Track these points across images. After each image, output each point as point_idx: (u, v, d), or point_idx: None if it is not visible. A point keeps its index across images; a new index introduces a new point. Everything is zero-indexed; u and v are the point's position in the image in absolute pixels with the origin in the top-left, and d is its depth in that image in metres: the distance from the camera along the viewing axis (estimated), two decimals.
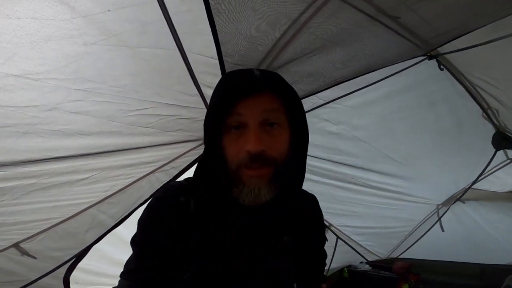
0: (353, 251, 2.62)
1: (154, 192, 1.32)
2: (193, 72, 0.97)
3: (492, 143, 1.96)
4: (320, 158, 1.88)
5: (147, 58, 0.90)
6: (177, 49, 0.91)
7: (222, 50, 0.92)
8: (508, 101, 1.58)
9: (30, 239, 1.29)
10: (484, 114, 1.83)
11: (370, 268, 2.61)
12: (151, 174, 1.31)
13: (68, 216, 1.31)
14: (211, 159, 0.64)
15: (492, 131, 1.90)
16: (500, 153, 2.08)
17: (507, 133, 1.88)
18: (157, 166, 1.28)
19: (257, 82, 0.63)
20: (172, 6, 0.83)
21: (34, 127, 0.90)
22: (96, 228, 1.42)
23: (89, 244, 1.48)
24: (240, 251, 0.66)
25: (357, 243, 2.57)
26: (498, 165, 2.16)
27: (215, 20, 0.87)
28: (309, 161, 0.69)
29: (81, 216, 1.34)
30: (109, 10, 0.80)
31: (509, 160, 2.15)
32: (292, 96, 0.65)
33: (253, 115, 0.60)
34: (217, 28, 0.88)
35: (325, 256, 0.85)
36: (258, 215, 0.66)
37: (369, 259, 2.74)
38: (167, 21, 0.86)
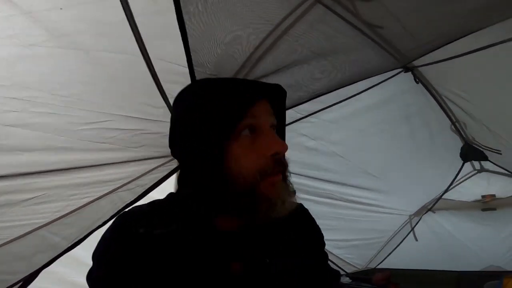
0: (333, 265, 2.59)
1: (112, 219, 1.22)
2: (159, 82, 0.87)
3: (460, 155, 2.03)
4: (297, 174, 1.82)
5: (104, 63, 0.79)
6: (141, 54, 0.80)
7: (192, 58, 0.83)
8: (477, 114, 1.63)
9: None
10: (453, 127, 1.89)
11: (350, 281, 2.58)
12: (112, 193, 1.17)
13: (12, 238, 1.12)
14: (210, 176, 0.57)
15: (460, 143, 1.97)
16: (468, 164, 2.17)
17: (474, 145, 1.96)
18: (119, 185, 1.15)
19: (264, 87, 0.64)
20: (137, 5, 0.72)
21: None
22: (46, 251, 1.25)
23: (38, 267, 1.30)
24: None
25: (337, 257, 2.54)
26: (465, 175, 2.27)
27: (185, 23, 0.77)
28: None
29: (28, 238, 1.16)
30: (61, 8, 0.68)
31: (475, 171, 2.26)
32: (282, 103, 0.68)
33: (266, 117, 0.59)
34: (187, 33, 0.79)
35: (327, 256, 0.84)
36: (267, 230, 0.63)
37: (347, 271, 2.72)
38: (129, 22, 0.75)
